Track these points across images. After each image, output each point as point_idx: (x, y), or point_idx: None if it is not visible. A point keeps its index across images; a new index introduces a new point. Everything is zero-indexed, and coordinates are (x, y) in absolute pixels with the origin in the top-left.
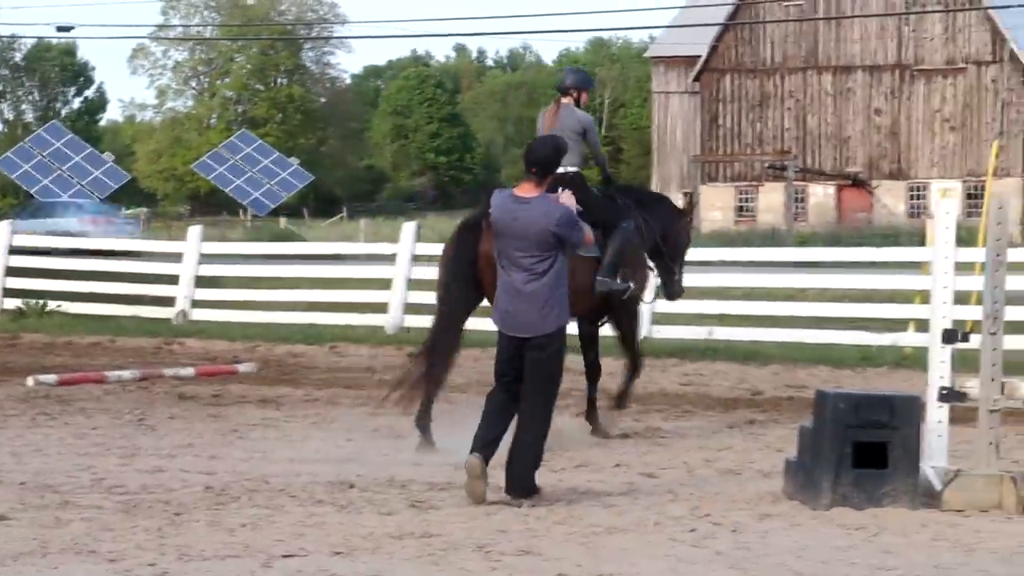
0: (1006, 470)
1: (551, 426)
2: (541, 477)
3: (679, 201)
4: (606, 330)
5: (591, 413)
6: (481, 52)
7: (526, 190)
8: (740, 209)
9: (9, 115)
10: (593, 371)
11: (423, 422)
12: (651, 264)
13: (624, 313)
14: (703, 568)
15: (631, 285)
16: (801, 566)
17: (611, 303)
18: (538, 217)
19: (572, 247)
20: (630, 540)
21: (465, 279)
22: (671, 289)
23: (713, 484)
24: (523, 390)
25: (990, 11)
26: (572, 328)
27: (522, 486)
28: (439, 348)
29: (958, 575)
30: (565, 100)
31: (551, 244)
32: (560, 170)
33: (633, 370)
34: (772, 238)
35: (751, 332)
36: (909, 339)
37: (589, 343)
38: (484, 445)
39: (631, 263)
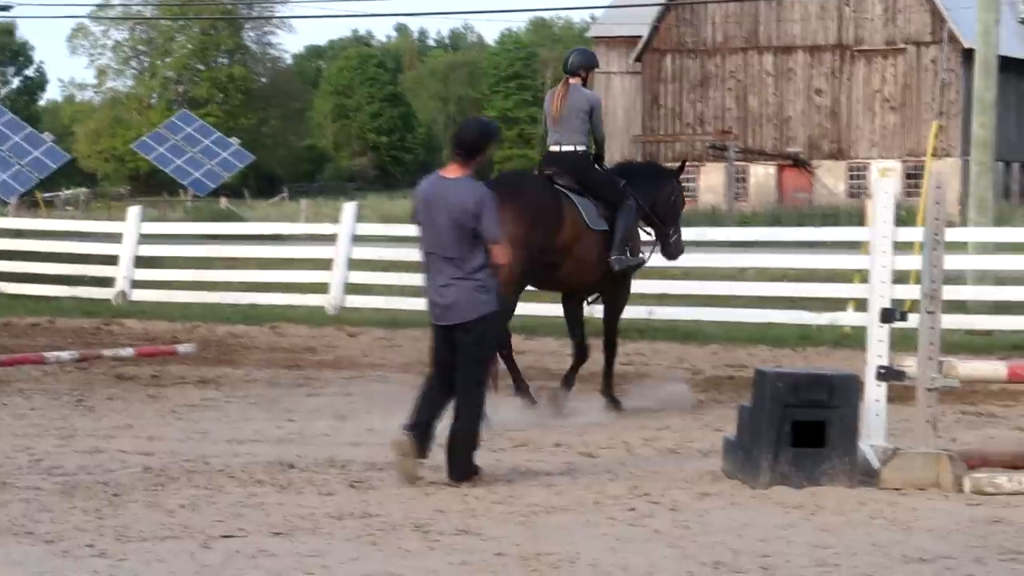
0: (943, 448)
1: (485, 409)
2: (481, 458)
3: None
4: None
5: (567, 382)
6: (423, 32)
7: (452, 171)
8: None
9: None
10: (581, 353)
11: (521, 388)
12: (646, 230)
13: (620, 287)
14: (641, 547)
15: (644, 258)
16: (739, 544)
17: (613, 277)
18: (460, 197)
19: (487, 232)
20: (569, 519)
21: None
22: (669, 250)
23: (652, 463)
24: (456, 376)
25: None
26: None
27: (462, 470)
28: None
29: (895, 553)
30: (573, 80)
31: (473, 229)
32: (568, 148)
33: (612, 348)
34: (713, 218)
35: (691, 312)
36: (848, 318)
37: (575, 322)
38: (413, 425)
39: (634, 238)
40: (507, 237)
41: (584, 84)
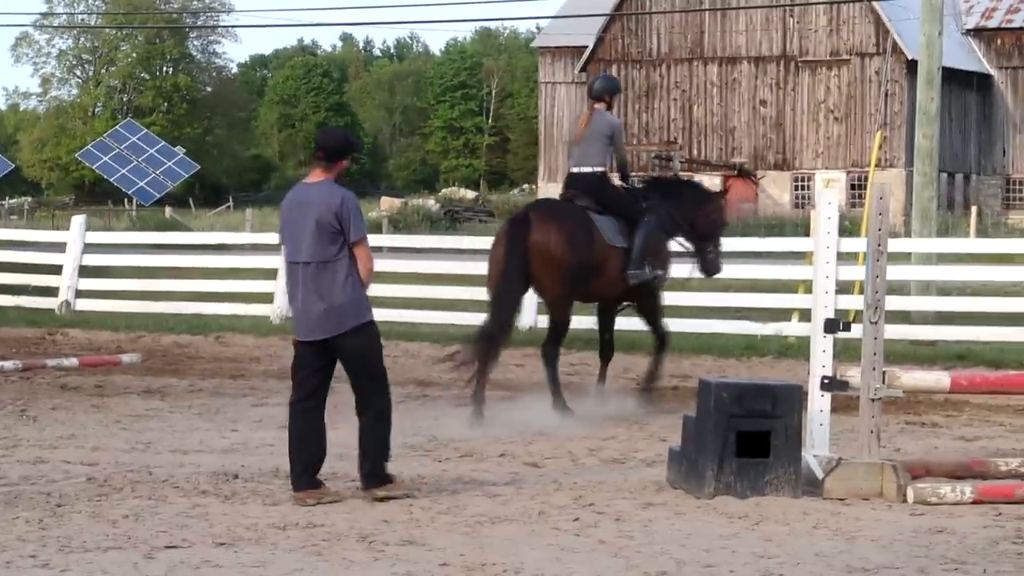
0: (887, 458)
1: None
2: (424, 468)
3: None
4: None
5: (602, 378)
6: (368, 41)
7: (314, 176)
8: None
9: None
10: (607, 349)
11: (478, 398)
12: (686, 245)
13: (649, 298)
14: (586, 557)
15: (660, 273)
16: (684, 554)
17: (638, 290)
18: (323, 200)
19: (353, 233)
20: (514, 530)
21: (515, 273)
22: (706, 266)
23: (597, 473)
24: (353, 387)
25: (874, 3)
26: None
27: (376, 480)
28: (489, 338)
29: (839, 563)
30: (598, 106)
31: (337, 231)
32: (587, 169)
33: (661, 347)
34: None
35: (637, 322)
36: (793, 328)
37: (604, 327)
38: (299, 478)
39: (655, 252)
40: (555, 260)
41: (608, 109)
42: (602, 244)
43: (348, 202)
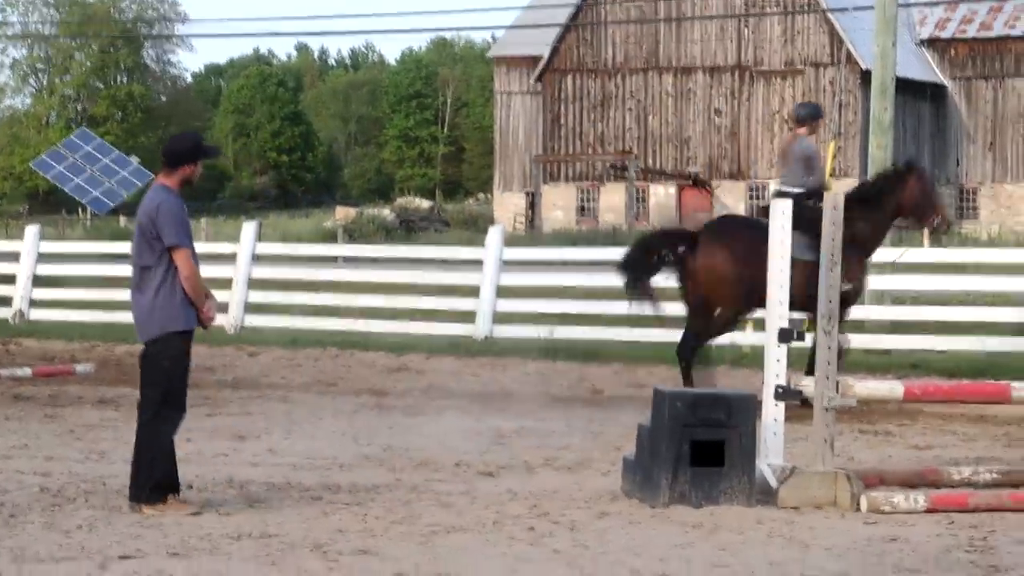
0: (841, 467)
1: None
2: (379, 477)
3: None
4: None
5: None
6: (323, 51)
7: (156, 180)
8: (582, 209)
9: None
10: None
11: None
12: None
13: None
14: (541, 567)
15: (851, 287)
16: (639, 564)
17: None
18: (145, 204)
19: (165, 237)
20: (469, 539)
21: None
22: (938, 230)
23: (552, 483)
24: (140, 393)
25: (828, 13)
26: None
27: (136, 494)
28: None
29: (793, 571)
30: (800, 131)
31: (155, 236)
32: (790, 190)
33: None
34: (613, 237)
35: (592, 331)
36: (747, 338)
37: None
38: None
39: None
40: (725, 275)
41: (811, 134)
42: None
43: (163, 206)
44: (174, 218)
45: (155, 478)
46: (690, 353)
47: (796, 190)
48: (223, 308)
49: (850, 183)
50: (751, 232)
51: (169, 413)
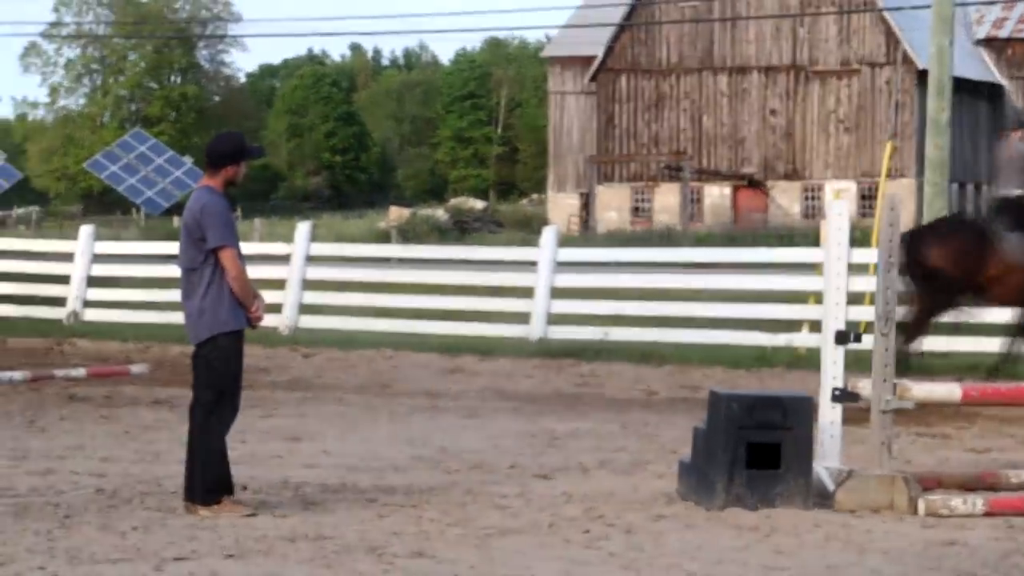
0: (898, 471)
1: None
2: (434, 479)
3: None
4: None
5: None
6: (377, 51)
7: (201, 182)
8: (636, 210)
9: None
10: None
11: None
12: None
13: None
14: (597, 569)
15: None
16: (694, 567)
17: None
18: (190, 205)
19: (210, 239)
20: (524, 542)
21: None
22: None
23: (607, 485)
24: (193, 392)
25: (884, 13)
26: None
27: (194, 495)
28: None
29: (836, 562)
30: (1016, 133)
31: (200, 238)
32: (1006, 192)
33: None
34: (668, 238)
35: (646, 333)
36: (803, 340)
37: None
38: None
39: None
40: (934, 275)
41: None
42: (1003, 259)
43: (207, 207)
44: (219, 219)
45: (209, 480)
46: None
47: (1016, 192)
48: (276, 309)
49: (906, 184)
50: (965, 234)
51: (223, 414)
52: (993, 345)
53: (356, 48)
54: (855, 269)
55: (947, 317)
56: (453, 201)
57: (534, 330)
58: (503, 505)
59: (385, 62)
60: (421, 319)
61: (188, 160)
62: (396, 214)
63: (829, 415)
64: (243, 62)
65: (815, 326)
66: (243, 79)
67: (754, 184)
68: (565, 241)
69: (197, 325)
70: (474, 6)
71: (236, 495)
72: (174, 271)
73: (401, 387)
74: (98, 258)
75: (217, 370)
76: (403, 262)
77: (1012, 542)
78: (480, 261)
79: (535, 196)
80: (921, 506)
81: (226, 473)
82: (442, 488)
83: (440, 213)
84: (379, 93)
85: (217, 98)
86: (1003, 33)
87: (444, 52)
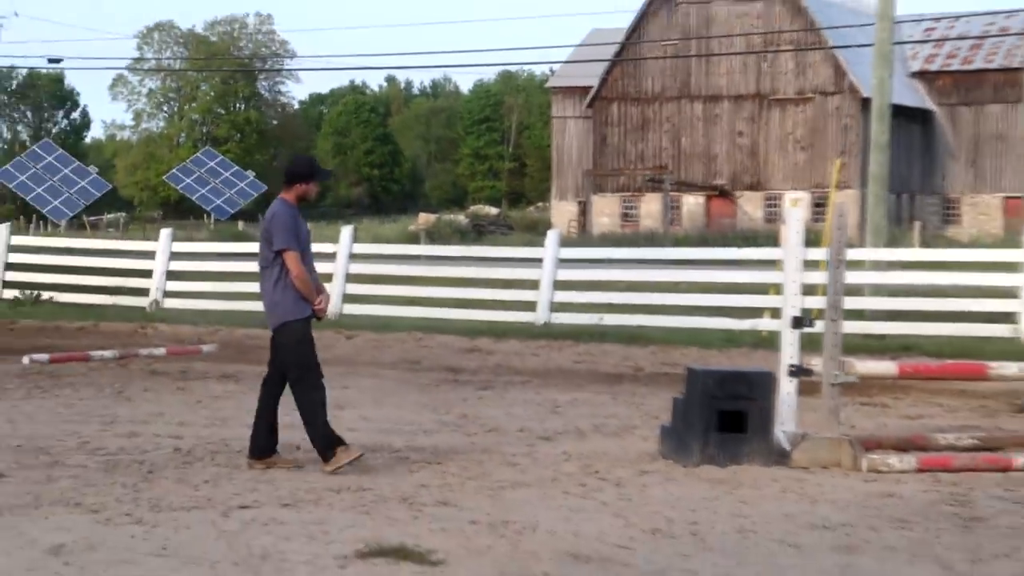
0: (844, 434)
1: (321, 407)
2: (455, 441)
3: None
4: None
5: None
6: (408, 82)
7: (280, 194)
8: (625, 215)
9: (7, 134)
10: None
11: None
12: None
13: None
14: (591, 515)
15: None
16: (673, 514)
17: None
18: (267, 214)
19: (275, 242)
20: (531, 493)
21: None
22: None
23: (600, 446)
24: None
25: (833, 50)
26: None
27: (320, 454)
28: None
29: (803, 521)
30: None
31: (269, 241)
32: None
33: None
34: (652, 239)
35: (634, 318)
36: (765, 324)
37: None
38: (252, 450)
39: None
40: None
41: None
42: None
43: (277, 216)
44: (284, 226)
45: (319, 440)
46: None
47: None
48: None
49: (852, 194)
50: None
51: (306, 388)
52: (925, 329)
53: (391, 79)
54: (809, 265)
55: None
56: (472, 208)
57: (539, 316)
58: (513, 462)
59: (415, 91)
60: (445, 307)
61: (250, 174)
62: (424, 219)
63: (787, 387)
64: (297, 91)
65: (775, 313)
66: (296, 106)
67: (724, 194)
68: (565, 242)
69: (271, 314)
70: (489, 44)
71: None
72: (238, 266)
73: (428, 364)
74: (175, 256)
75: (291, 351)
76: (430, 259)
77: (938, 493)
78: (494, 258)
79: (540, 204)
80: (863, 464)
81: (331, 431)
82: (462, 448)
83: (461, 218)
84: (410, 117)
85: (275, 122)
86: (933, 67)
87: (464, 83)
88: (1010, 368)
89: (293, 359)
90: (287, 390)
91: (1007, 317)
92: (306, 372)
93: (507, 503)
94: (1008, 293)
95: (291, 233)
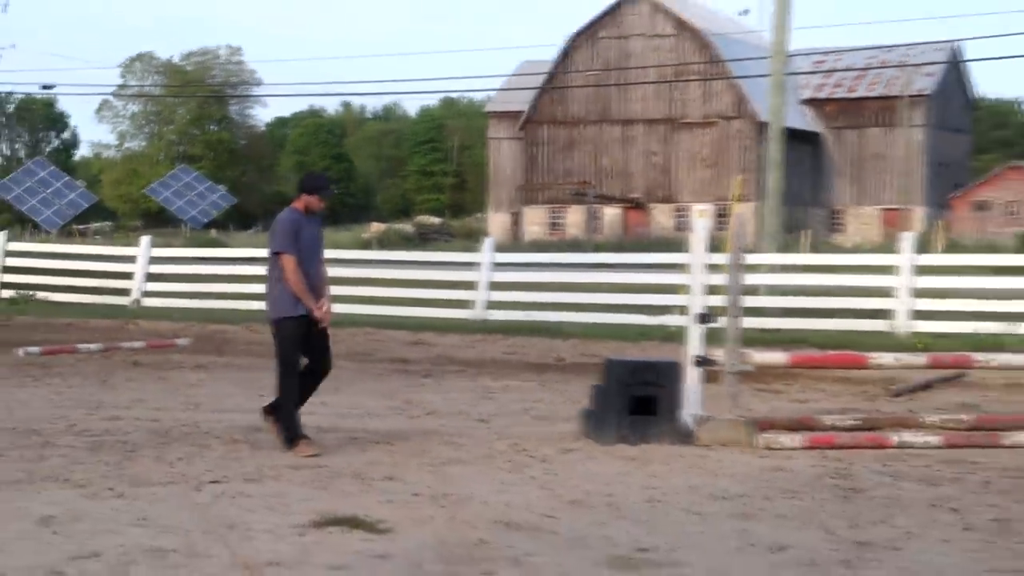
0: (742, 416)
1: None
2: (401, 423)
3: None
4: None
5: None
6: (362, 107)
7: (292, 204)
8: (552, 225)
9: (7, 151)
10: None
11: None
12: None
13: None
14: (520, 488)
15: None
16: (592, 487)
17: None
18: (274, 220)
19: (272, 245)
20: (467, 469)
21: None
22: None
23: (529, 427)
24: None
25: (734, 80)
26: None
27: (280, 439)
28: None
29: (705, 492)
30: None
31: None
32: None
33: None
34: (576, 246)
35: (559, 315)
36: (674, 321)
37: None
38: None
39: None
40: None
41: None
42: None
43: (280, 221)
44: (283, 231)
45: (284, 429)
46: None
47: None
48: None
49: (750, 206)
50: None
51: (288, 379)
52: (813, 324)
53: (347, 104)
54: (713, 268)
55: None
56: (418, 218)
57: (477, 313)
58: (452, 442)
59: (368, 115)
60: (394, 305)
61: (222, 188)
62: (375, 228)
63: (692, 375)
64: (263, 115)
65: (683, 310)
66: (263, 127)
67: (639, 206)
68: (500, 248)
69: (270, 309)
70: (434, 73)
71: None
72: (211, 270)
73: (379, 356)
74: (154, 260)
75: (278, 345)
76: (381, 263)
77: (824, 468)
78: (437, 262)
79: (478, 215)
80: (759, 442)
81: (295, 423)
82: (407, 430)
83: (408, 227)
84: (363, 139)
85: (243, 142)
86: (822, 95)
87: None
88: (886, 358)
89: (278, 352)
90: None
91: (884, 314)
92: (286, 367)
93: (447, 478)
94: (884, 292)
95: (289, 238)
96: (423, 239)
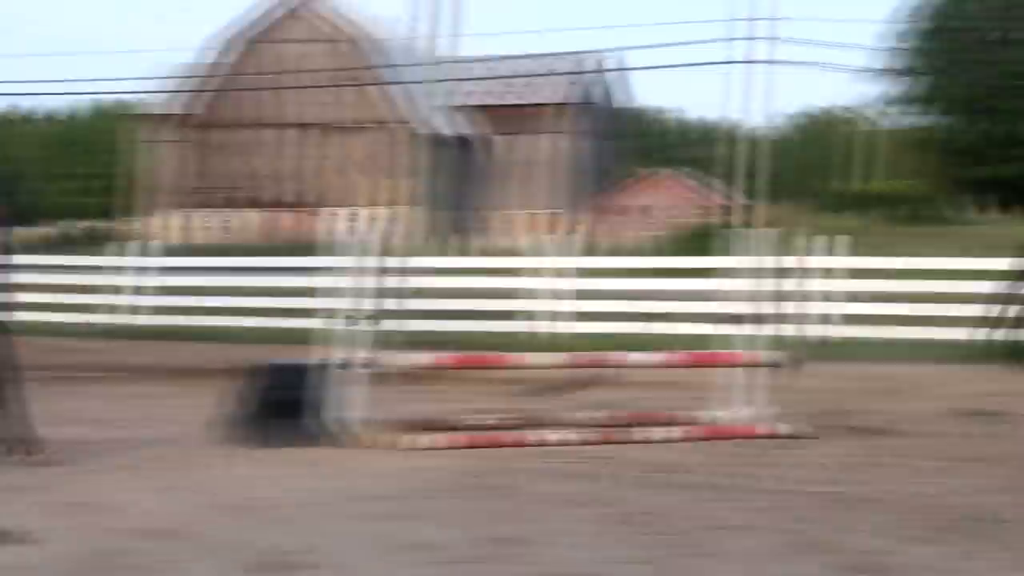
0: (385, 417)
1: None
2: (45, 431)
3: None
4: None
5: None
6: (30, 108)
7: None
8: (206, 229)
9: None
10: None
11: None
12: None
13: None
14: (165, 495)
15: None
16: (235, 491)
17: None
18: None
19: None
20: (113, 477)
21: None
22: None
23: (173, 434)
24: None
25: (388, 87)
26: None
27: None
28: None
29: (344, 492)
30: None
31: None
32: None
33: None
34: (223, 251)
35: (219, 319)
36: (322, 324)
37: None
38: None
39: None
40: None
41: None
42: None
43: None
44: None
45: None
46: None
47: None
48: None
49: (401, 210)
50: None
51: None
52: (459, 325)
53: (15, 106)
54: (362, 272)
55: None
56: (76, 222)
57: (123, 318)
58: (98, 452)
59: (37, 116)
60: (35, 311)
61: None
62: (41, 232)
63: (337, 378)
64: None
65: (332, 313)
66: None
67: (294, 209)
68: (153, 252)
69: None
70: (86, 75)
71: None
72: None
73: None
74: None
75: None
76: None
77: (464, 467)
78: (74, 267)
79: (141, 218)
80: (399, 442)
81: None
82: (52, 439)
83: (74, 230)
84: (30, 142)
85: None
86: (473, 102)
87: (64, 109)
88: (527, 358)
89: None
90: None
91: (527, 315)
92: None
93: (94, 487)
94: (528, 295)
95: None
96: (92, 242)
